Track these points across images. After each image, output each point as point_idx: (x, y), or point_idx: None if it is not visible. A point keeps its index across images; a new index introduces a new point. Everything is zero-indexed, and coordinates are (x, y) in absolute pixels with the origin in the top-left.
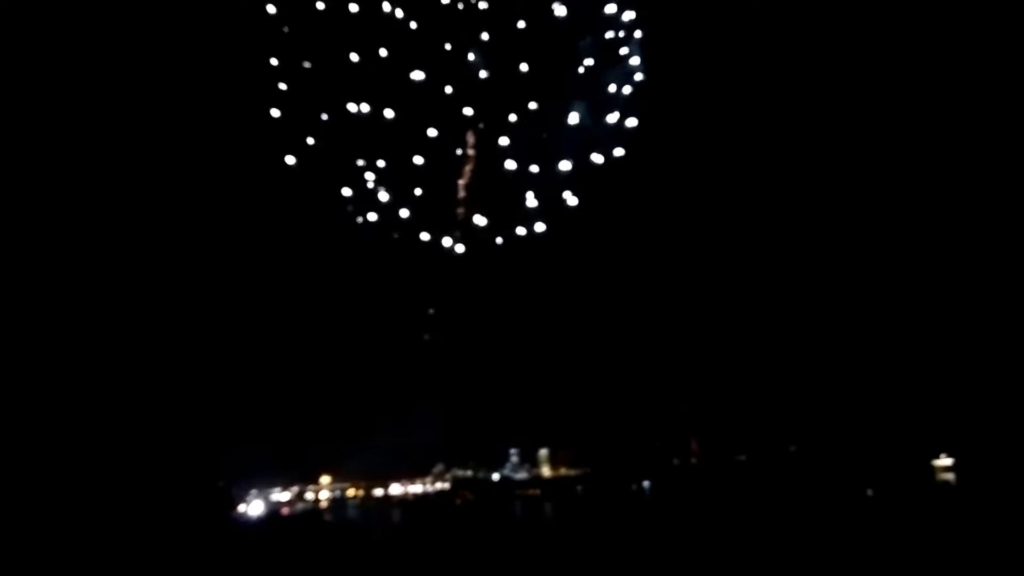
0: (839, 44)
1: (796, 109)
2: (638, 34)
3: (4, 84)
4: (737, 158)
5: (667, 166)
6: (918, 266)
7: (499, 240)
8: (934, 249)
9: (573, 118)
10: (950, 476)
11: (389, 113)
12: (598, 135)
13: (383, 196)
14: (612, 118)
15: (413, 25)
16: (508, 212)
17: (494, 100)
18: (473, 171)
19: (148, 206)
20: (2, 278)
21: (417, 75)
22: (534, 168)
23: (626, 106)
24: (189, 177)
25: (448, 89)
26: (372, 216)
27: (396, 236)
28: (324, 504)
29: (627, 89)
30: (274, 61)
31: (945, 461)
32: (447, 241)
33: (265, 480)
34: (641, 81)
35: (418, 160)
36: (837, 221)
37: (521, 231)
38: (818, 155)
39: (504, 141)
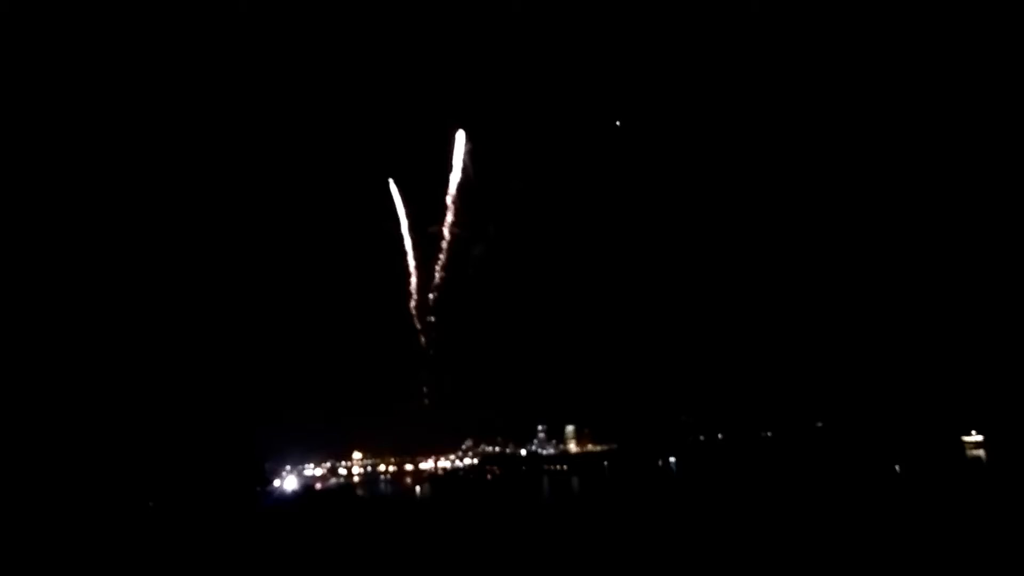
0: (838, 46)
1: (796, 108)
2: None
3: (5, 84)
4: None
5: (690, 159)
6: (948, 245)
7: None
8: (964, 229)
9: None
10: (980, 452)
11: None
12: None
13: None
14: None
15: None
16: None
17: None
18: None
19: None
20: (50, 261)
21: None
22: None
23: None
24: (225, 168)
25: None
26: None
27: None
28: (356, 479)
29: None
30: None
31: (975, 437)
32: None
33: (299, 456)
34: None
35: None
36: (865, 202)
37: None
38: (860, 137)
39: None
